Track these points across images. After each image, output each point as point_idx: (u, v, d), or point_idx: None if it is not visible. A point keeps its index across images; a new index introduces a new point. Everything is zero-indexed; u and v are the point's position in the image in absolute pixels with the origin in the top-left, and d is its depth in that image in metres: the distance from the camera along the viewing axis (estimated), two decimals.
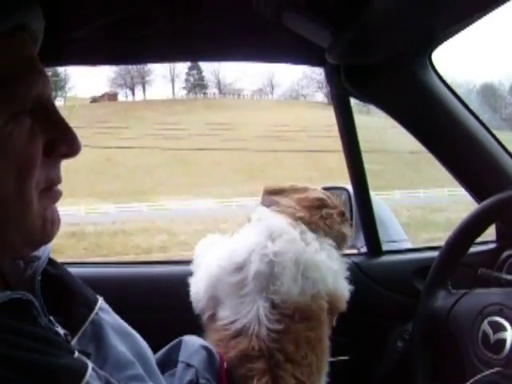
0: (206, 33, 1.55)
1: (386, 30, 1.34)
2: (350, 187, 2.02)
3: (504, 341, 1.19)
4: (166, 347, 1.32)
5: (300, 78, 44.99)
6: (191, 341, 1.34)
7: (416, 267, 1.89)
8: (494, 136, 1.64)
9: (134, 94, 41.79)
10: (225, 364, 1.35)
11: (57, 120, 0.82)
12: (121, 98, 41.45)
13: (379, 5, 1.19)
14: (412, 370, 1.43)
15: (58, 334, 0.85)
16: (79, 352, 0.81)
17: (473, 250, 1.47)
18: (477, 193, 1.69)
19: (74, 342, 0.89)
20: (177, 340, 1.33)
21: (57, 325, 0.86)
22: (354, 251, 2.08)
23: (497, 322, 1.22)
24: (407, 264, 1.96)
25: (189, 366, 1.24)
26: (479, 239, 1.50)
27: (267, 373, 1.35)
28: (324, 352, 1.48)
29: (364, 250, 2.06)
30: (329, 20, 1.37)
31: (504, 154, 1.64)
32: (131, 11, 1.38)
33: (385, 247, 2.05)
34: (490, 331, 1.22)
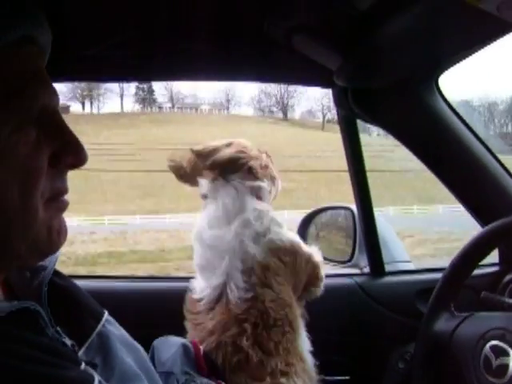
0: (218, 53, 1.57)
1: (394, 54, 1.37)
2: (354, 207, 2.03)
3: (506, 366, 1.19)
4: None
5: (256, 94, 44.71)
6: (163, 343, 1.35)
7: (419, 289, 1.89)
8: (498, 160, 1.65)
9: (83, 107, 40.73)
10: (201, 350, 1.37)
11: (63, 131, 0.82)
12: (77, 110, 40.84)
13: (388, 30, 1.21)
14: None
15: (65, 344, 0.84)
16: (86, 363, 0.82)
17: (476, 272, 1.46)
18: (481, 216, 1.70)
19: (80, 353, 0.89)
20: (151, 348, 1.33)
21: (64, 335, 0.86)
22: (357, 271, 2.08)
23: (499, 347, 1.22)
24: (410, 285, 1.96)
25: (168, 373, 1.23)
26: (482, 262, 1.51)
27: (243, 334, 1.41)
28: (291, 308, 1.51)
29: (367, 270, 2.06)
30: (338, 44, 1.39)
31: (508, 179, 1.65)
32: (142, 30, 1.40)
33: (388, 268, 2.05)
34: (492, 356, 1.22)
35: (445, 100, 1.60)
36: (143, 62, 1.61)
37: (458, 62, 1.44)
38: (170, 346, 1.34)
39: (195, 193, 1.68)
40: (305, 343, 1.56)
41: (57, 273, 0.97)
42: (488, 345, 1.24)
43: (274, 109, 43.80)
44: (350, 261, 2.07)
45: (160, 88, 40.94)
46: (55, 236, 0.81)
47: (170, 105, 42.92)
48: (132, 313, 1.61)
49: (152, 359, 1.28)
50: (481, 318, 1.35)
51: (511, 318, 1.32)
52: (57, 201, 0.82)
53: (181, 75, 1.76)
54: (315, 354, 1.85)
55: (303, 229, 2.23)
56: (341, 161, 1.90)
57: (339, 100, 1.69)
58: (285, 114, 42.49)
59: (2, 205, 0.74)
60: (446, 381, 1.39)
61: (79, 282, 1.11)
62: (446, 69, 1.51)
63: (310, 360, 1.56)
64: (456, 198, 1.71)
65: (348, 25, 1.30)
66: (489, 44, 1.28)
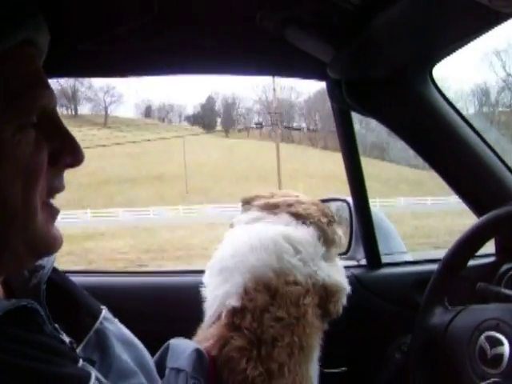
0: (209, 47, 1.56)
1: (387, 45, 1.36)
2: (350, 199, 2.03)
3: (501, 355, 1.19)
4: (157, 354, 1.31)
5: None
6: (179, 344, 1.34)
7: (415, 280, 1.90)
8: (493, 150, 1.65)
9: None
10: (215, 362, 1.37)
11: (61, 131, 0.84)
12: None
13: (380, 21, 1.21)
14: (409, 383, 1.43)
15: (63, 341, 0.86)
16: (84, 360, 0.83)
17: (471, 263, 1.47)
18: (476, 207, 1.70)
19: (78, 350, 0.91)
20: (165, 345, 1.33)
21: (62, 333, 0.87)
22: (354, 263, 2.09)
23: (494, 337, 1.22)
24: (407, 277, 1.97)
25: (179, 371, 1.23)
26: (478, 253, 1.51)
27: (244, 353, 1.38)
28: (305, 333, 1.46)
29: (363, 262, 2.06)
30: (331, 35, 1.39)
31: (504, 169, 1.65)
32: (135, 25, 1.40)
33: (384, 259, 2.06)
34: (487, 346, 1.23)
35: (439, 91, 1.60)
36: (134, 57, 1.61)
37: (451, 52, 1.43)
38: (184, 346, 1.34)
39: None
40: (314, 369, 1.53)
41: (54, 270, 0.99)
42: (483, 335, 1.25)
43: None
44: (346, 253, 2.07)
45: None
46: (52, 240, 0.83)
47: None
48: (132, 308, 1.62)
49: (164, 356, 1.29)
50: (475, 310, 1.35)
51: (506, 308, 1.33)
52: (51, 206, 0.85)
53: (173, 70, 1.75)
54: None
55: None
56: None
57: (333, 92, 1.68)
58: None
59: (4, 204, 0.75)
60: (442, 372, 1.40)
61: (76, 278, 1.12)
62: (440, 60, 1.50)
63: None
64: (452, 189, 1.71)
65: (341, 17, 1.29)
66: (482, 34, 1.27)
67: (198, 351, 1.32)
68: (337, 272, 1.62)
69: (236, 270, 1.47)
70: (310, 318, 1.48)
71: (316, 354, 1.54)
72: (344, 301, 1.61)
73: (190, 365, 1.26)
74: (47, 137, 0.81)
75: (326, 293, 1.54)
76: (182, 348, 1.32)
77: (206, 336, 1.46)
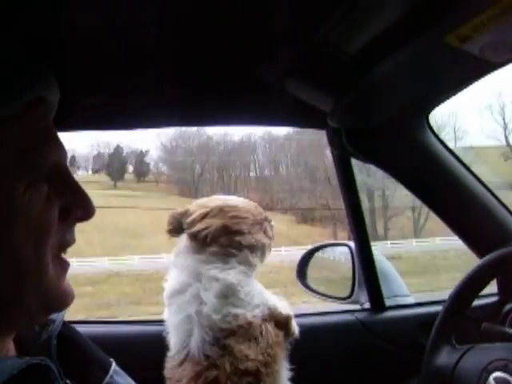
0: (211, 98, 1.60)
1: (384, 95, 1.41)
2: (351, 243, 2.05)
3: None
4: None
5: None
6: None
7: (420, 322, 1.90)
8: (491, 192, 1.68)
9: None
10: None
11: (72, 186, 0.84)
12: None
13: (377, 72, 1.25)
14: None
15: None
16: None
17: (475, 303, 1.47)
18: (477, 248, 1.71)
19: None
20: None
21: None
22: (357, 307, 2.08)
23: (502, 378, 1.22)
24: (411, 319, 1.96)
25: None
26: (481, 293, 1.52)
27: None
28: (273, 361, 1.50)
29: (367, 305, 2.06)
30: (330, 86, 1.43)
31: (503, 210, 1.68)
32: (143, 80, 1.44)
33: (388, 302, 2.06)
34: None
35: (435, 135, 1.64)
36: (141, 111, 1.64)
37: (446, 99, 1.48)
38: None
39: None
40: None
41: (63, 323, 0.98)
42: (491, 376, 1.24)
43: None
44: (350, 297, 2.07)
45: None
46: (64, 295, 0.83)
47: None
48: (137, 357, 1.61)
49: None
50: (483, 350, 1.35)
51: None
52: (62, 260, 0.84)
53: (175, 122, 1.79)
54: None
55: (302, 266, 2.24)
56: None
57: (333, 140, 1.72)
58: None
59: (17, 260, 0.75)
60: None
61: (82, 329, 1.11)
62: (436, 106, 1.54)
63: None
64: (452, 231, 1.73)
65: (339, 68, 1.32)
66: (474, 82, 1.32)
67: None
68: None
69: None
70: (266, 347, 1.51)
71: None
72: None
73: None
74: (58, 192, 0.81)
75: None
76: None
77: (180, 376, 1.47)
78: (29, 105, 0.79)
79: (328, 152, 1.95)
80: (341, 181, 1.89)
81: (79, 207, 0.85)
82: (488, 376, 1.25)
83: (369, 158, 1.69)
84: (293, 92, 1.47)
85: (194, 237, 1.57)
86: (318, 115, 1.57)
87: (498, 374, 1.24)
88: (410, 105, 1.51)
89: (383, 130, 1.58)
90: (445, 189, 1.67)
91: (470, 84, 1.34)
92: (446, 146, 1.65)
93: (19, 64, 0.80)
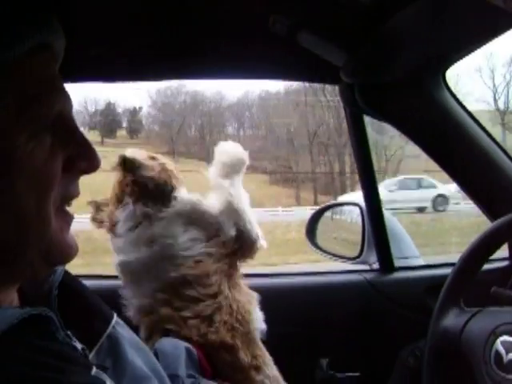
0: (223, 51, 1.57)
1: (399, 49, 1.36)
2: (362, 203, 2.03)
3: None
4: None
5: None
6: (165, 346, 1.35)
7: (428, 284, 1.89)
8: (507, 154, 1.64)
9: None
10: (202, 352, 1.41)
11: (77, 137, 0.82)
12: None
13: (393, 25, 1.21)
14: None
15: (75, 348, 0.84)
16: (97, 367, 0.82)
17: (485, 267, 1.45)
18: (490, 211, 1.68)
19: (91, 356, 0.89)
20: (153, 350, 1.31)
21: (74, 339, 0.85)
22: (366, 267, 2.08)
23: (510, 342, 1.21)
24: (420, 281, 1.96)
25: (174, 376, 1.23)
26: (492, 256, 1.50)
27: None
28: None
29: (376, 266, 2.05)
30: (343, 39, 1.39)
31: None
32: (149, 29, 1.40)
33: (397, 263, 2.05)
34: (502, 351, 1.21)
35: (452, 94, 1.59)
36: (147, 62, 1.61)
37: (465, 55, 1.43)
38: (173, 348, 1.35)
39: None
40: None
41: (65, 273, 0.97)
42: (499, 340, 1.23)
43: None
44: (359, 257, 2.06)
45: None
46: (67, 249, 0.82)
47: None
48: None
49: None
50: (491, 313, 1.34)
51: None
52: (65, 212, 0.83)
53: (186, 74, 1.76)
54: (325, 350, 1.85)
55: (312, 225, 2.23)
56: None
57: (346, 96, 1.67)
58: None
59: (19, 211, 0.74)
60: (456, 377, 1.38)
61: (87, 282, 1.11)
62: (454, 62, 1.50)
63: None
64: (465, 193, 1.70)
65: (353, 20, 1.29)
66: (495, 38, 1.27)
67: (186, 349, 1.33)
68: None
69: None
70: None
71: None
72: None
73: (182, 365, 1.27)
74: (62, 143, 0.79)
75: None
76: (169, 350, 1.33)
77: None
78: (32, 50, 0.76)
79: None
80: (352, 138, 1.86)
81: (83, 159, 0.82)
82: (495, 339, 1.24)
83: (381, 114, 1.64)
84: (305, 45, 1.43)
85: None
86: (331, 69, 1.53)
87: (505, 337, 1.23)
88: (427, 60, 1.45)
89: (397, 85, 1.54)
90: (459, 149, 1.63)
91: (491, 39, 1.28)
92: (462, 106, 1.60)
93: (19, 8, 0.77)
